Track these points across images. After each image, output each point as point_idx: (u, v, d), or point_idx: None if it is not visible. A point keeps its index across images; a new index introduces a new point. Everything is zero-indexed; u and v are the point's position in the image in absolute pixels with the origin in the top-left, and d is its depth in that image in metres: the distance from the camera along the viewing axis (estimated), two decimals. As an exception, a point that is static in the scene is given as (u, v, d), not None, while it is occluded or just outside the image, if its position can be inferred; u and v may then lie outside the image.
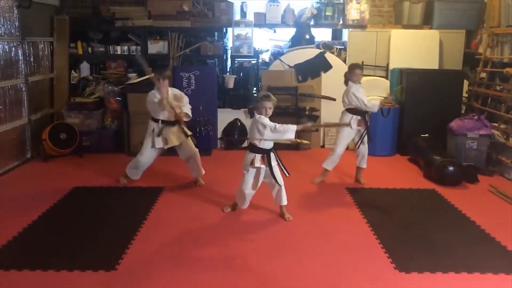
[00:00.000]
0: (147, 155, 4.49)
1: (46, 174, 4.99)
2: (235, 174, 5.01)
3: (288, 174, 3.78)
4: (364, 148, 4.64)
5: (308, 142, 5.93)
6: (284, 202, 3.84)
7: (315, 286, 2.87)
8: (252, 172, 3.74)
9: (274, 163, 3.71)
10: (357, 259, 3.19)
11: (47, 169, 5.18)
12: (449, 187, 4.63)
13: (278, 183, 3.73)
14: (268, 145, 3.68)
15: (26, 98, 5.45)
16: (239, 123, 6.11)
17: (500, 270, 3.04)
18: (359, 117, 4.51)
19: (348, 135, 4.58)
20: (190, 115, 4.46)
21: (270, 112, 3.61)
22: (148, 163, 4.57)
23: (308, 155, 5.75)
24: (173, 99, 4.32)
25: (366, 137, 4.59)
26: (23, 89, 5.40)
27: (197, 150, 4.59)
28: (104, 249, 3.30)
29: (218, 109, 6.10)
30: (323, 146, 6.23)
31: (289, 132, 3.53)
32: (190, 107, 4.48)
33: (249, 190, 3.78)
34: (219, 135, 6.14)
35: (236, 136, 6.09)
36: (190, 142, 4.52)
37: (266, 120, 3.56)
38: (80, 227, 3.67)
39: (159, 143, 4.36)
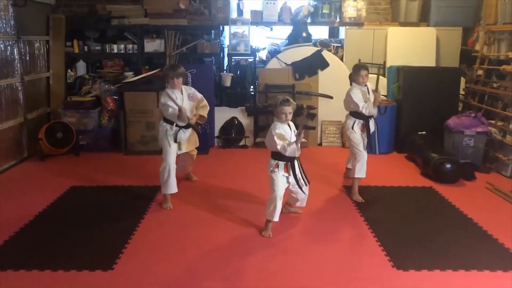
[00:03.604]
0: (172, 156, 4.05)
1: (43, 174, 4.97)
2: (232, 172, 5.03)
3: (308, 183, 3.64)
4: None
5: (305, 140, 5.98)
6: (304, 204, 3.83)
7: (312, 284, 2.87)
8: (276, 177, 3.47)
9: (297, 170, 3.53)
10: (354, 257, 3.19)
11: (44, 168, 5.16)
12: (446, 185, 4.63)
13: (304, 192, 3.64)
14: (291, 153, 3.42)
15: (22, 97, 5.42)
16: (236, 122, 6.10)
17: (497, 267, 3.04)
18: (362, 121, 4.21)
19: (358, 138, 4.22)
20: (206, 116, 4.23)
21: (290, 117, 3.43)
22: (172, 169, 4.06)
23: (305, 153, 5.74)
24: (187, 99, 4.05)
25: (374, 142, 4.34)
26: (19, 88, 5.37)
27: (194, 156, 4.54)
28: (101, 249, 3.28)
29: (215, 108, 6.08)
30: (320, 144, 6.23)
31: (294, 152, 3.36)
32: (207, 106, 4.26)
33: (280, 193, 3.48)
34: (216, 133, 6.13)
35: (233, 135, 6.09)
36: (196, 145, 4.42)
37: (277, 139, 3.36)
38: (77, 227, 3.66)
39: (173, 146, 4.04)
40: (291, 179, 3.52)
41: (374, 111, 4.16)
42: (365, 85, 4.17)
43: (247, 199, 4.21)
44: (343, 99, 4.28)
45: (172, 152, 4.02)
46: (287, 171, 3.49)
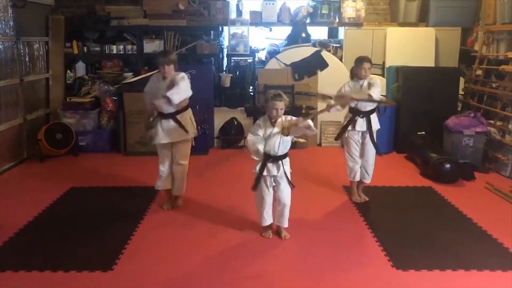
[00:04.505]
0: (160, 154, 3.90)
1: (42, 174, 4.97)
2: (232, 173, 5.03)
3: (293, 186, 3.41)
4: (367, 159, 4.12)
5: (305, 141, 5.97)
6: (285, 224, 3.47)
7: (312, 284, 2.87)
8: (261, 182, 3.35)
9: (280, 172, 3.31)
10: (354, 257, 3.19)
11: (43, 169, 5.16)
12: (446, 185, 4.63)
13: (281, 199, 3.39)
14: (276, 151, 3.26)
15: (22, 98, 5.42)
16: (235, 122, 6.10)
17: (497, 267, 3.05)
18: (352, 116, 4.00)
19: (349, 139, 4.06)
20: (172, 99, 3.56)
21: (281, 113, 3.21)
22: (165, 164, 3.91)
23: (305, 154, 5.75)
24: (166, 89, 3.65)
25: (370, 144, 4.06)
26: (19, 89, 5.37)
27: (186, 165, 3.99)
28: (101, 250, 3.28)
29: (215, 108, 6.09)
30: (319, 145, 6.23)
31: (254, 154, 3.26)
32: (181, 90, 3.63)
33: (260, 199, 3.39)
34: (216, 134, 6.13)
35: (233, 135, 6.08)
36: (183, 149, 3.92)
37: (253, 128, 3.29)
38: (76, 228, 3.66)
39: (158, 140, 3.81)
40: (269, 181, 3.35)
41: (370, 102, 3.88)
42: (362, 80, 3.90)
43: (247, 199, 4.19)
44: None
45: (159, 150, 3.90)
46: (262, 170, 3.30)
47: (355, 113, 3.99)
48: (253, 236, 3.51)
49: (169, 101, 3.57)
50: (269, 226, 3.51)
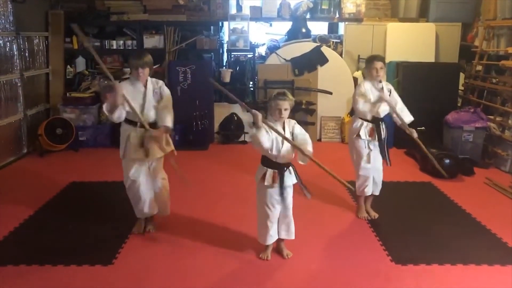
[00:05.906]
0: (133, 173, 3.29)
1: (42, 170, 4.97)
2: (232, 169, 5.03)
3: (310, 195, 2.99)
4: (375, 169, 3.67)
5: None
6: (292, 236, 3.09)
7: (311, 279, 2.88)
8: (263, 190, 2.93)
9: (289, 182, 2.93)
10: (353, 252, 3.20)
11: (43, 164, 5.17)
12: (445, 180, 4.63)
13: (286, 212, 3.01)
14: (283, 158, 2.86)
15: (22, 93, 5.43)
16: (235, 117, 6.11)
17: (495, 261, 3.05)
18: (371, 125, 3.55)
19: (363, 147, 3.59)
20: (170, 125, 3.18)
21: (286, 114, 2.85)
22: (140, 183, 3.31)
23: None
24: (151, 96, 3.23)
25: (380, 153, 3.64)
26: (19, 84, 5.38)
27: (167, 179, 3.49)
28: (101, 244, 3.29)
29: (215, 104, 6.09)
30: (319, 140, 6.23)
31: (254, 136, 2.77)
32: (170, 111, 3.23)
33: (267, 212, 2.95)
34: (216, 129, 6.13)
35: (233, 131, 6.09)
36: (161, 163, 3.39)
37: (262, 135, 2.78)
38: (77, 222, 3.66)
39: (137, 153, 3.21)
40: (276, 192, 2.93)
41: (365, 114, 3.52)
42: (380, 81, 3.49)
43: (247, 197, 4.20)
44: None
45: (133, 165, 3.28)
46: (276, 181, 2.88)
47: (374, 119, 3.55)
48: (252, 231, 3.50)
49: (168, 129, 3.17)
50: (271, 245, 3.12)
